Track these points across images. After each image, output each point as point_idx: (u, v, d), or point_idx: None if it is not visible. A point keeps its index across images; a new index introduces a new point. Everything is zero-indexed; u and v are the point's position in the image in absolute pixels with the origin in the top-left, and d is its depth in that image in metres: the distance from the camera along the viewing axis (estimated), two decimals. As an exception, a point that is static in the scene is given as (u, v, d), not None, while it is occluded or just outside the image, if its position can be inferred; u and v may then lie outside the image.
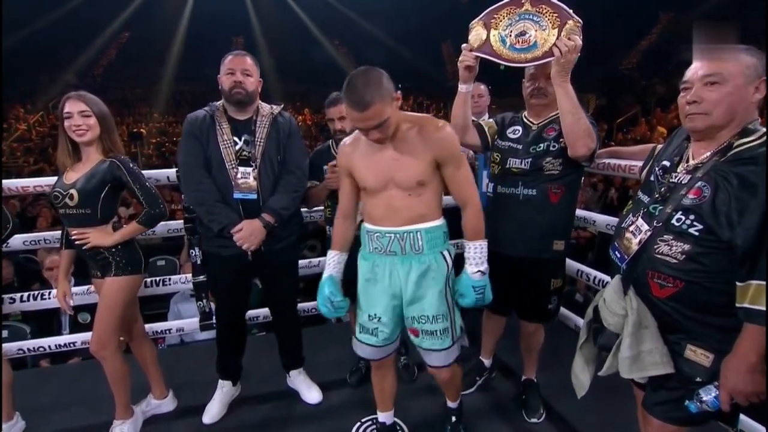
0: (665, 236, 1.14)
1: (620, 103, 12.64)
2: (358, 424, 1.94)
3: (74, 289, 2.20)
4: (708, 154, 1.14)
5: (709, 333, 1.11)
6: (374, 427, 1.89)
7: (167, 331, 2.43)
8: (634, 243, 1.20)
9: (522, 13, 1.63)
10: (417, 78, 18.17)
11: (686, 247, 1.09)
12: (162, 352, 2.58)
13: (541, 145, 1.76)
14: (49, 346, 2.28)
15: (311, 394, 2.12)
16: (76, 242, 1.76)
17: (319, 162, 2.03)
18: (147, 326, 2.15)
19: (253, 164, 1.82)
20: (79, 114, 1.69)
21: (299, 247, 1.95)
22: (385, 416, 1.80)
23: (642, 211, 1.22)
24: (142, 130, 13.86)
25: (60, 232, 1.95)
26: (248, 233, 1.79)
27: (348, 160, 1.53)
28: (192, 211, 1.99)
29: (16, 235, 2.19)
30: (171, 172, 2.23)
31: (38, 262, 3.65)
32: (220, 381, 2.08)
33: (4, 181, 2.07)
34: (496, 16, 1.68)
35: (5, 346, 2.22)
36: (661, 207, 1.17)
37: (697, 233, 1.08)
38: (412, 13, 17.98)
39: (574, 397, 1.39)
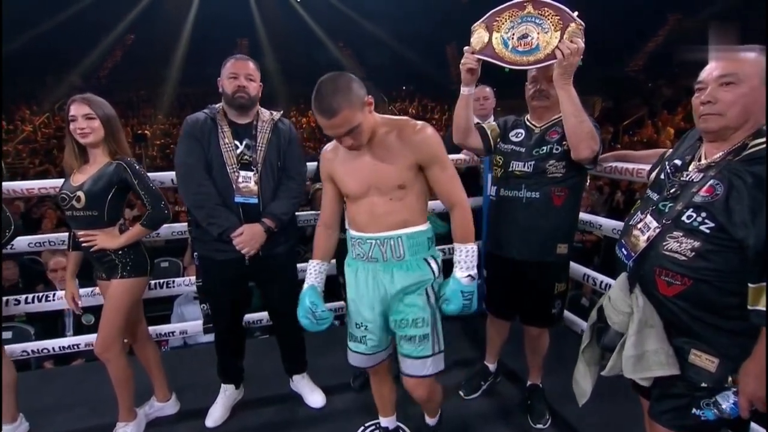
0: (675, 233, 1.12)
1: (626, 105, 12.57)
2: (362, 428, 1.92)
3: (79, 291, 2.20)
4: (721, 153, 1.12)
5: (716, 336, 1.09)
6: (378, 431, 1.88)
7: (170, 334, 2.42)
8: (642, 240, 1.18)
9: (524, 15, 1.63)
10: (421, 80, 18.20)
11: (696, 244, 1.07)
12: (165, 354, 2.58)
13: (544, 148, 1.76)
14: (53, 348, 2.28)
15: (314, 397, 2.11)
16: (83, 244, 1.76)
17: None
18: (150, 328, 2.14)
19: (255, 168, 1.81)
20: (83, 117, 1.70)
21: (297, 251, 1.94)
22: (387, 421, 1.78)
23: (651, 209, 1.21)
24: (146, 131, 13.90)
25: (66, 233, 1.95)
26: (249, 237, 1.78)
27: (329, 166, 1.50)
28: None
29: (22, 237, 2.19)
30: (174, 174, 2.22)
31: (43, 264, 3.66)
32: (222, 384, 2.07)
33: (9, 183, 2.07)
34: (498, 18, 1.68)
35: (9, 347, 2.23)
36: (671, 204, 1.16)
37: (708, 230, 1.06)
38: (416, 15, 17.98)
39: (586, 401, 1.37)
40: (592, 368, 1.37)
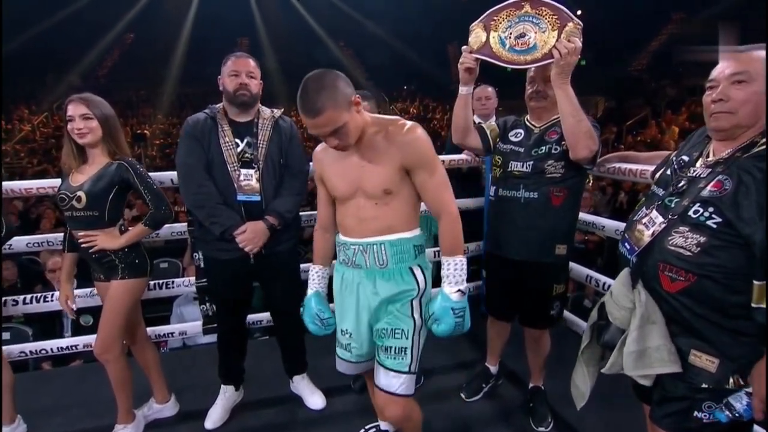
0: (681, 228, 1.10)
1: (630, 105, 12.54)
2: (362, 430, 1.91)
3: (77, 292, 2.18)
4: (729, 150, 1.11)
5: (717, 335, 1.08)
6: (378, 433, 1.86)
7: (170, 335, 2.41)
8: (647, 235, 1.17)
9: (522, 15, 1.63)
10: (422, 80, 18.21)
11: (702, 239, 1.06)
12: (164, 355, 2.57)
13: (543, 147, 1.76)
14: (52, 349, 2.26)
15: (314, 399, 2.10)
16: (83, 245, 1.75)
17: None
18: (150, 329, 2.13)
19: (256, 166, 1.81)
20: (81, 117, 1.69)
21: (299, 250, 1.93)
22: (386, 424, 1.77)
23: (656, 204, 1.20)
24: (146, 131, 13.89)
25: (62, 233, 1.93)
26: (252, 235, 1.77)
27: (319, 167, 1.46)
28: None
29: (20, 237, 2.18)
30: (175, 174, 2.21)
31: (41, 264, 3.65)
32: (222, 386, 2.06)
33: (7, 183, 2.05)
34: (495, 18, 1.68)
35: (7, 348, 2.21)
36: (677, 199, 1.14)
37: (714, 225, 1.05)
38: (417, 14, 18.00)
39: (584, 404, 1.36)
40: (591, 369, 1.36)
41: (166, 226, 2.02)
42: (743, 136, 1.10)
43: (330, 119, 1.21)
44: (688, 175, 1.16)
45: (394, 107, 16.26)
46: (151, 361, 2.01)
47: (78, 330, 2.70)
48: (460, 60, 1.75)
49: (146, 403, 2.04)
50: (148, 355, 2.01)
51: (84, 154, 1.77)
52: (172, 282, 2.33)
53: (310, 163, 1.98)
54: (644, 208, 1.24)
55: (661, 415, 1.18)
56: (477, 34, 1.72)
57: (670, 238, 1.12)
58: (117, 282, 1.77)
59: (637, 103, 12.37)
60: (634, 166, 1.86)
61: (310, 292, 1.53)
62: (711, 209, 1.06)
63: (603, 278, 2.18)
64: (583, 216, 2.28)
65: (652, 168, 1.55)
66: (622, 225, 2.06)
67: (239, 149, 1.80)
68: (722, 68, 1.10)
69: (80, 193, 1.70)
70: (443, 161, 2.34)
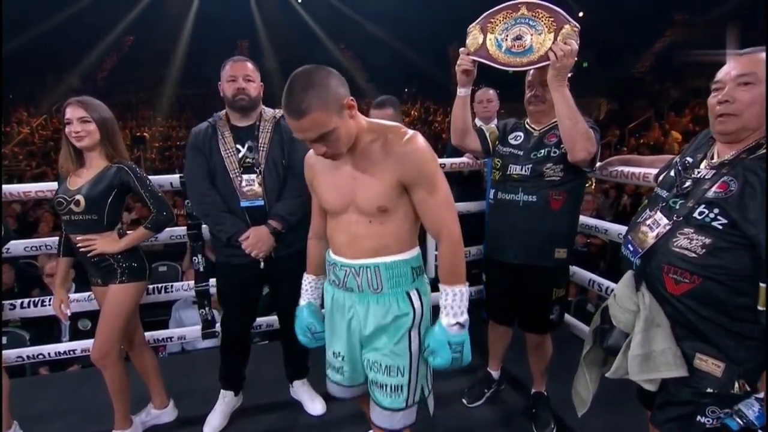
0: (685, 229, 1.09)
1: (633, 107, 12.47)
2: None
3: (75, 296, 2.17)
4: (734, 152, 1.11)
5: (723, 338, 1.06)
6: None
7: (168, 339, 2.39)
8: (651, 236, 1.16)
9: (518, 17, 1.64)
10: (423, 82, 18.21)
11: (707, 240, 1.05)
12: (163, 360, 2.55)
13: (542, 150, 1.75)
14: (49, 354, 2.24)
15: (314, 405, 2.07)
16: (82, 249, 1.73)
17: None
18: (148, 334, 2.11)
19: (257, 170, 1.80)
20: (78, 120, 1.68)
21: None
22: None
23: (660, 205, 1.19)
24: (145, 133, 13.88)
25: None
26: (255, 240, 1.77)
27: (311, 173, 1.32)
28: (195, 218, 1.95)
29: (18, 241, 2.16)
30: (174, 177, 2.20)
31: (39, 267, 3.62)
32: (222, 391, 2.03)
33: (6, 186, 2.04)
34: (492, 20, 1.69)
35: (4, 353, 2.18)
36: (682, 201, 1.13)
37: (720, 227, 1.03)
38: (418, 16, 18.02)
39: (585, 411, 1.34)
40: (594, 375, 1.35)
41: (166, 229, 2.00)
42: (748, 139, 1.09)
43: (316, 122, 1.07)
44: (693, 176, 1.16)
45: (394, 110, 16.24)
46: (149, 366, 1.99)
47: (76, 334, 2.68)
48: (458, 62, 1.77)
49: (144, 409, 2.02)
50: (146, 360, 1.99)
51: (82, 157, 1.75)
52: (171, 286, 2.31)
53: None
54: (648, 210, 1.23)
55: (663, 419, 1.16)
56: (474, 36, 1.73)
57: (674, 239, 1.10)
58: (115, 286, 1.76)
59: (640, 105, 12.30)
60: (637, 170, 1.85)
61: (302, 302, 1.46)
62: (716, 210, 1.05)
63: (606, 282, 2.17)
64: (585, 220, 2.27)
65: (654, 171, 1.54)
66: (625, 229, 2.04)
67: (240, 155, 1.81)
68: (728, 69, 1.09)
69: (78, 197, 1.68)
70: (444, 164, 2.34)
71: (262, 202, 1.81)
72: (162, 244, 3.33)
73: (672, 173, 1.24)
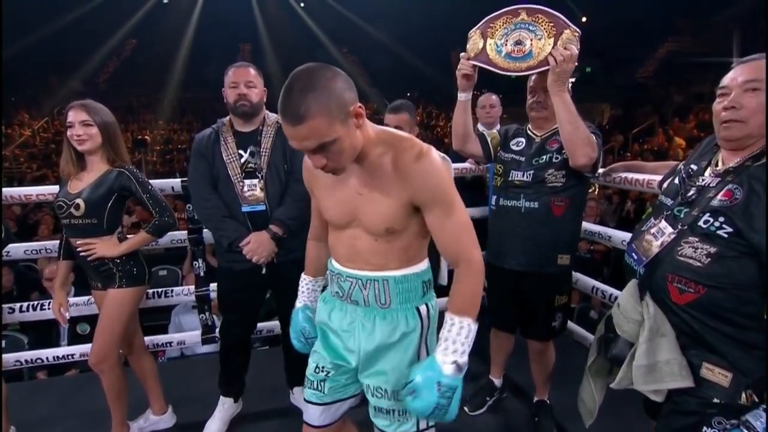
0: (690, 238, 1.08)
1: (636, 113, 12.44)
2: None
3: (75, 299, 2.16)
4: (739, 159, 1.09)
5: (729, 347, 1.05)
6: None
7: (168, 344, 2.37)
8: (655, 245, 1.15)
9: (518, 22, 1.65)
10: (426, 86, 18.25)
11: (712, 249, 1.03)
12: (162, 365, 2.53)
13: (544, 156, 1.75)
14: (48, 358, 2.22)
15: (315, 412, 2.05)
16: (81, 253, 1.73)
17: None
18: (147, 338, 2.10)
19: (259, 175, 1.80)
20: (80, 123, 1.68)
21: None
22: None
23: (665, 214, 1.17)
24: (146, 137, 13.91)
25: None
26: (256, 245, 1.76)
27: (309, 178, 1.20)
28: (196, 222, 1.94)
29: (18, 244, 2.16)
30: (176, 181, 2.20)
31: (38, 270, 3.61)
32: (221, 397, 2.01)
33: (7, 189, 2.05)
34: (492, 25, 1.70)
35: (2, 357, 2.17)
36: (686, 209, 1.12)
37: (726, 235, 1.02)
38: (420, 20, 18.10)
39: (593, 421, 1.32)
40: (599, 385, 1.33)
41: (167, 233, 2.00)
42: (753, 146, 1.08)
43: (315, 130, 0.92)
44: (697, 184, 1.15)
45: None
46: (148, 371, 1.98)
47: (74, 339, 2.66)
48: (458, 66, 1.77)
49: (142, 415, 2.00)
50: (145, 364, 1.98)
51: (83, 160, 1.75)
52: (171, 291, 2.30)
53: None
54: (652, 219, 1.22)
55: (668, 430, 1.15)
56: (474, 41, 1.73)
57: (679, 248, 1.09)
58: (114, 290, 1.75)
59: (644, 110, 12.26)
60: (641, 176, 1.84)
61: (298, 305, 1.37)
62: (721, 219, 1.04)
63: (609, 289, 2.16)
64: (589, 226, 2.26)
65: (658, 178, 1.52)
66: (629, 236, 2.03)
67: (243, 160, 1.81)
68: (735, 75, 1.08)
69: (79, 201, 1.68)
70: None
71: (263, 207, 1.80)
72: (162, 248, 3.33)
73: (676, 181, 1.23)
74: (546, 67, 1.59)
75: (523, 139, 1.85)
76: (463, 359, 1.02)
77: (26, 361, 2.21)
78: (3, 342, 2.59)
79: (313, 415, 1.25)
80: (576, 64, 1.56)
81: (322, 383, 1.22)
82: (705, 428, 1.06)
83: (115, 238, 1.76)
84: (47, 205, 5.47)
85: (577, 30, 1.56)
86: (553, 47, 1.57)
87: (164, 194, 2.10)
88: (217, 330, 2.17)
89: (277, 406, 2.13)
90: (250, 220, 1.80)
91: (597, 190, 5.03)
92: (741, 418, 1.03)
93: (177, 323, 2.99)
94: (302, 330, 1.33)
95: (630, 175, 1.88)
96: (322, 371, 1.22)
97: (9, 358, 2.19)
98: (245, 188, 1.79)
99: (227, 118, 1.87)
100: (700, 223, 1.07)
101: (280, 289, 1.95)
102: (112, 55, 18.85)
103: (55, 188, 1.90)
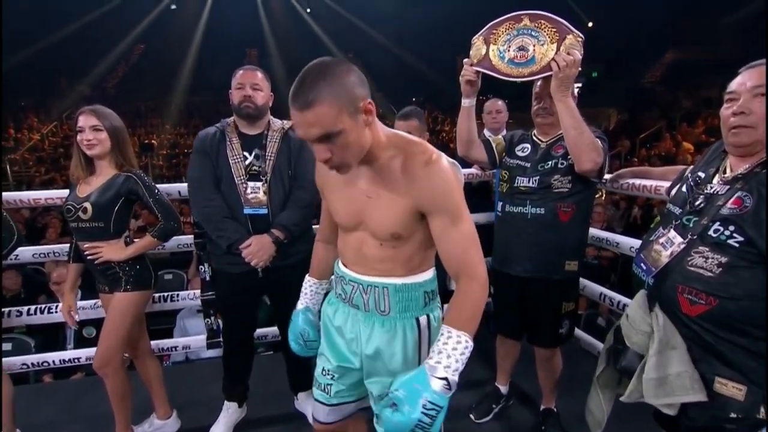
0: (700, 248, 1.06)
1: (644, 117, 12.36)
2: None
3: (81, 303, 2.16)
4: (748, 165, 1.08)
5: (744, 359, 1.02)
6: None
7: (173, 348, 2.37)
8: (665, 255, 1.13)
9: (520, 28, 1.65)
10: (431, 91, 18.29)
11: (723, 259, 1.02)
12: (167, 369, 2.53)
13: (549, 162, 1.74)
14: (54, 361, 2.23)
15: (320, 417, 2.03)
16: (89, 257, 1.73)
17: None
18: (152, 342, 2.10)
19: (263, 179, 1.80)
20: (91, 128, 1.69)
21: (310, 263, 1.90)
22: None
23: (674, 223, 1.16)
24: (153, 141, 14.01)
25: (68, 244, 1.92)
26: (257, 249, 1.75)
27: (322, 180, 1.19)
28: (202, 227, 1.94)
29: (26, 247, 2.16)
30: (182, 186, 2.20)
31: (46, 274, 3.63)
32: (225, 402, 2.01)
33: (16, 194, 2.07)
34: (495, 31, 1.70)
35: (9, 360, 2.19)
36: (695, 218, 1.10)
37: (737, 245, 1.00)
38: (426, 26, 18.16)
39: None
40: (608, 395, 1.31)
41: (173, 237, 2.00)
42: (763, 152, 1.07)
43: (322, 117, 0.91)
44: (706, 192, 1.13)
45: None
46: (153, 375, 1.98)
47: (81, 342, 2.67)
48: (462, 72, 1.77)
49: (147, 419, 2.00)
50: (150, 369, 1.98)
51: (92, 165, 1.77)
52: (177, 295, 2.30)
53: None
54: (661, 228, 1.20)
55: None
56: (478, 47, 1.74)
57: (689, 258, 1.07)
58: (120, 294, 1.76)
59: (652, 115, 12.17)
60: (648, 182, 1.82)
61: (299, 306, 1.35)
62: (732, 227, 1.02)
63: (617, 296, 2.13)
64: (597, 232, 2.24)
65: (666, 184, 1.50)
66: (637, 242, 2.01)
67: (247, 162, 1.80)
68: (744, 80, 1.07)
69: (87, 204, 1.69)
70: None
71: (265, 211, 1.80)
72: (168, 252, 3.34)
73: (684, 189, 1.21)
74: (549, 73, 1.59)
75: (528, 145, 1.84)
76: (455, 378, 0.94)
77: (33, 364, 2.22)
78: (10, 345, 2.61)
79: (321, 413, 1.27)
80: (579, 69, 1.55)
81: (328, 386, 1.23)
82: None
83: (122, 241, 1.77)
84: (55, 209, 5.52)
85: (581, 35, 1.55)
86: (556, 52, 1.57)
87: (170, 198, 2.10)
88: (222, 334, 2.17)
89: (281, 412, 2.12)
90: (251, 222, 1.79)
91: (604, 195, 4.99)
92: None
93: (182, 327, 2.99)
94: (302, 332, 1.30)
95: (637, 181, 1.86)
96: (328, 374, 1.23)
97: (16, 361, 2.20)
98: (249, 190, 1.78)
99: (231, 118, 1.86)
100: (710, 232, 1.05)
101: (278, 294, 1.95)
102: (121, 60, 19.05)
103: (64, 192, 1.91)
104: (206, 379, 2.29)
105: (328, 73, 0.92)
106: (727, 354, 1.04)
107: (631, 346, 1.17)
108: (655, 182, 1.79)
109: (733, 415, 1.03)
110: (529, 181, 1.76)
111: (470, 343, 0.98)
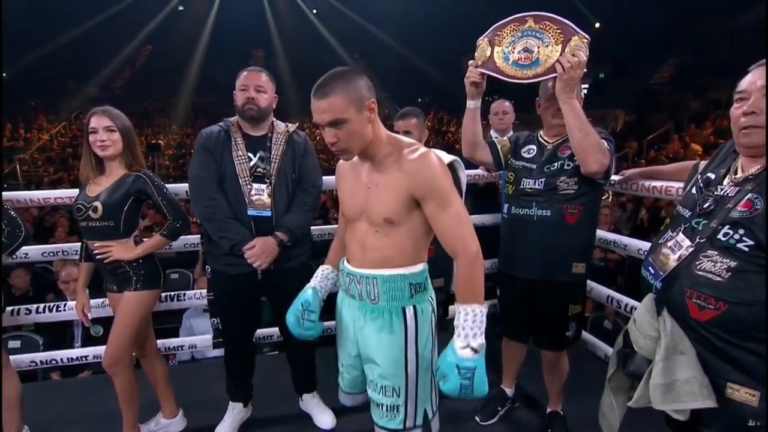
0: (709, 252, 1.04)
1: (651, 119, 12.25)
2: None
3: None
4: (759, 166, 1.06)
5: (755, 363, 1.00)
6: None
7: (179, 348, 2.38)
8: (672, 259, 1.11)
9: (525, 29, 1.64)
10: (436, 92, 18.25)
11: (732, 263, 1.00)
12: (172, 368, 2.54)
13: (556, 164, 1.72)
14: (62, 359, 2.25)
15: (324, 418, 2.04)
16: (98, 256, 1.75)
17: None
18: (159, 342, 2.11)
19: (268, 181, 1.79)
20: (104, 129, 1.70)
21: (311, 265, 1.90)
22: None
23: (683, 226, 1.14)
24: (160, 141, 14.09)
25: (79, 244, 1.94)
26: (261, 251, 1.75)
27: (339, 179, 1.39)
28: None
29: (36, 246, 2.19)
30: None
31: (54, 272, 3.66)
32: (230, 402, 2.02)
33: (26, 193, 2.09)
34: (500, 33, 1.69)
35: (18, 357, 2.21)
36: (705, 221, 1.08)
37: (746, 249, 0.98)
38: (432, 27, 18.13)
39: None
40: (620, 398, 1.29)
41: (180, 237, 2.01)
42: None
43: (333, 106, 1.13)
44: (715, 193, 1.11)
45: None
46: (159, 375, 1.99)
47: (88, 340, 2.69)
48: (467, 74, 1.76)
49: (153, 418, 2.01)
50: (157, 368, 1.99)
51: (102, 165, 1.78)
52: (184, 294, 2.31)
53: (323, 178, 1.98)
54: (669, 231, 1.18)
55: None
56: (482, 49, 1.73)
57: (698, 262, 1.06)
58: (130, 293, 1.76)
59: (660, 117, 12.05)
60: (658, 183, 1.81)
61: (307, 286, 1.43)
62: (741, 231, 1.00)
63: (625, 299, 2.11)
64: (604, 234, 2.22)
65: (677, 184, 1.48)
66: (645, 244, 2.00)
67: (252, 163, 1.79)
68: (754, 79, 1.05)
69: (97, 204, 1.70)
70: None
71: (269, 213, 1.79)
72: (174, 251, 3.36)
73: (694, 191, 1.19)
74: (553, 75, 1.58)
75: (534, 147, 1.83)
76: (477, 341, 1.12)
77: (41, 361, 2.24)
78: (19, 342, 2.63)
79: (343, 398, 1.49)
80: (585, 70, 1.54)
81: (343, 375, 1.43)
82: None
83: (131, 241, 1.78)
84: (64, 208, 5.57)
85: (586, 36, 1.54)
86: (560, 54, 1.55)
87: (177, 198, 2.12)
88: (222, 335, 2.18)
89: (286, 412, 2.12)
90: (254, 224, 1.78)
91: (610, 197, 4.96)
92: None
93: (188, 327, 3.01)
94: (303, 303, 1.38)
95: (647, 182, 1.85)
96: (342, 366, 1.43)
97: (24, 358, 2.23)
98: (253, 192, 1.77)
99: (234, 118, 1.85)
100: (720, 235, 1.03)
101: (279, 297, 1.93)
102: (128, 61, 19.18)
103: (73, 192, 1.93)
104: (212, 378, 2.30)
105: (343, 76, 1.15)
106: (738, 359, 1.02)
107: (638, 351, 1.16)
108: (664, 183, 1.77)
109: (751, 423, 1.01)
110: (535, 182, 1.75)
111: (482, 310, 1.15)
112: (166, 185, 1.86)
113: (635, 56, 15.53)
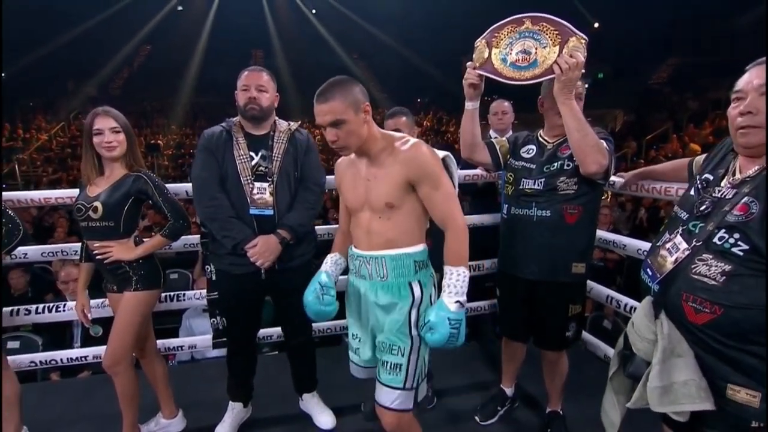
0: (704, 255, 1.04)
1: (650, 119, 12.24)
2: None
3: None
4: (757, 167, 1.05)
5: (755, 365, 1.00)
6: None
7: (179, 348, 2.38)
8: (669, 261, 1.11)
9: (522, 31, 1.64)
10: (436, 92, 18.25)
11: (727, 268, 0.99)
12: (172, 369, 2.54)
13: (555, 164, 1.72)
14: (61, 359, 2.24)
15: (324, 418, 2.04)
16: (98, 256, 1.74)
17: None
18: (158, 342, 2.11)
19: (270, 179, 1.79)
20: (110, 131, 1.71)
21: (315, 264, 1.90)
22: None
23: (680, 229, 1.14)
24: (159, 141, 14.08)
25: (78, 243, 1.93)
26: (263, 249, 1.75)
27: (339, 177, 1.54)
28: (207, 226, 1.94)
29: (35, 246, 2.18)
30: (189, 186, 2.20)
31: (53, 273, 3.65)
32: (230, 402, 2.02)
33: (26, 193, 2.09)
34: (497, 34, 1.69)
35: (17, 358, 2.20)
36: (701, 224, 1.08)
37: (741, 253, 0.98)
38: (431, 27, 18.13)
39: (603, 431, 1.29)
40: (621, 397, 1.29)
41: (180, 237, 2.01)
42: None
43: (334, 108, 1.30)
44: (713, 195, 1.10)
45: (406, 119, 16.32)
46: (159, 375, 1.99)
47: (87, 341, 2.68)
48: (465, 76, 1.76)
49: (153, 418, 2.01)
50: (156, 368, 1.99)
51: (102, 165, 1.78)
52: (183, 294, 2.31)
53: (326, 177, 1.98)
54: (667, 233, 1.18)
55: None
56: (480, 51, 1.73)
57: (693, 266, 1.06)
58: (130, 293, 1.76)
59: (659, 117, 12.04)
60: (657, 184, 1.81)
61: (319, 271, 1.57)
62: (737, 235, 0.99)
63: (624, 299, 2.11)
64: (604, 234, 2.22)
65: (676, 185, 1.48)
66: (644, 244, 2.00)
67: (254, 162, 1.80)
68: (750, 78, 1.04)
69: (97, 204, 1.70)
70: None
71: (271, 212, 1.79)
72: (174, 252, 3.36)
73: (692, 192, 1.19)
74: (551, 76, 1.57)
75: (533, 147, 1.82)
76: (464, 298, 1.33)
77: (40, 362, 2.24)
78: (18, 343, 2.63)
79: (356, 371, 1.60)
80: (583, 71, 1.54)
81: (357, 350, 1.55)
82: None
83: (131, 241, 1.78)
84: (64, 208, 5.57)
85: (584, 37, 1.54)
86: (558, 55, 1.55)
87: (177, 198, 2.12)
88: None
89: (286, 412, 2.12)
90: (257, 223, 1.78)
91: (609, 197, 4.97)
92: None
93: (188, 327, 3.00)
94: (320, 282, 1.52)
95: (646, 183, 1.85)
96: (354, 338, 1.56)
97: (24, 359, 2.22)
98: (255, 191, 1.78)
99: (236, 118, 1.86)
100: (715, 239, 1.03)
101: (282, 295, 1.94)
102: (127, 62, 19.15)
103: (73, 192, 1.93)
104: (212, 378, 2.30)
105: (341, 83, 1.33)
106: (738, 361, 1.02)
107: (637, 353, 1.16)
108: (664, 184, 1.77)
109: (754, 424, 1.00)
110: (534, 183, 1.75)
111: (466, 272, 1.35)
112: (166, 185, 1.86)
113: (634, 56, 15.54)
